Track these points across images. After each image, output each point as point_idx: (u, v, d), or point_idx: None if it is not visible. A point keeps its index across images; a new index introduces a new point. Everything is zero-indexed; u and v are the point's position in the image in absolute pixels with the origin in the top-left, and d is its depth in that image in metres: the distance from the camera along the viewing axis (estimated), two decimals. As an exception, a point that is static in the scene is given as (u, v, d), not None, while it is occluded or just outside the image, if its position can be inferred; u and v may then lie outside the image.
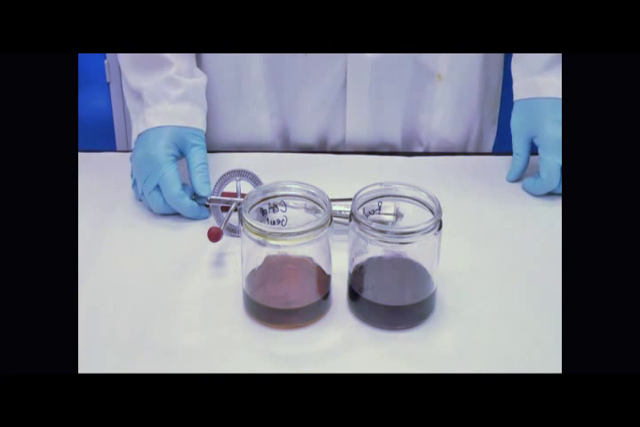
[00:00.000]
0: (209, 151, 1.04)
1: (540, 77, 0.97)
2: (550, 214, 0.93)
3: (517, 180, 1.00)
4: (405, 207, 0.79)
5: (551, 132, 0.94)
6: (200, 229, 0.90)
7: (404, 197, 0.78)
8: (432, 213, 0.76)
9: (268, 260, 0.78)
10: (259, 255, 0.77)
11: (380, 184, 0.78)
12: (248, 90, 1.05)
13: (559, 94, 0.96)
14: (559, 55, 0.97)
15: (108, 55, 1.91)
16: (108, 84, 1.95)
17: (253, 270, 0.78)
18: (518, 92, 1.00)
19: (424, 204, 0.78)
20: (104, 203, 0.94)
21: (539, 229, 0.92)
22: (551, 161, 0.94)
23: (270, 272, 0.79)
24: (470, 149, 1.12)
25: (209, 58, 1.04)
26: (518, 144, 0.99)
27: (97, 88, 1.95)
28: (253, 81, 1.04)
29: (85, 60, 1.87)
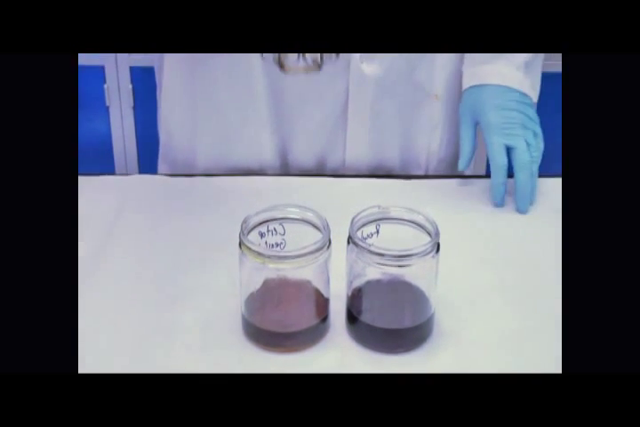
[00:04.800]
0: (207, 175, 1.05)
1: (486, 66, 1.00)
2: (549, 236, 0.93)
3: (467, 167, 1.01)
4: (403, 230, 0.79)
5: (490, 116, 0.98)
6: (198, 254, 0.90)
7: (402, 219, 0.79)
8: (430, 235, 0.77)
9: (266, 283, 0.78)
10: (257, 278, 0.78)
11: (378, 207, 0.79)
12: (251, 108, 1.05)
13: (503, 82, 1.00)
14: None
15: (108, 79, 1.93)
16: (108, 107, 1.96)
17: (252, 294, 0.79)
18: (465, 82, 1.03)
19: (422, 226, 0.78)
20: (103, 226, 0.94)
21: (537, 251, 0.92)
22: (494, 141, 0.97)
23: (269, 295, 0.79)
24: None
25: (211, 67, 1.03)
26: (464, 131, 1.01)
27: (96, 112, 1.96)
28: (256, 99, 1.04)
29: (85, 84, 1.88)
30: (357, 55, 0.98)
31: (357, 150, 1.07)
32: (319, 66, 0.75)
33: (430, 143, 1.09)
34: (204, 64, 1.03)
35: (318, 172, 1.08)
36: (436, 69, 1.05)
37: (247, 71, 1.02)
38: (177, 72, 1.06)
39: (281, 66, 0.74)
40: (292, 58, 0.73)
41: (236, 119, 1.06)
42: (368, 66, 1.01)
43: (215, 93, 1.05)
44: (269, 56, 0.75)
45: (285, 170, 1.09)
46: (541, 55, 1.05)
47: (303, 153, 1.07)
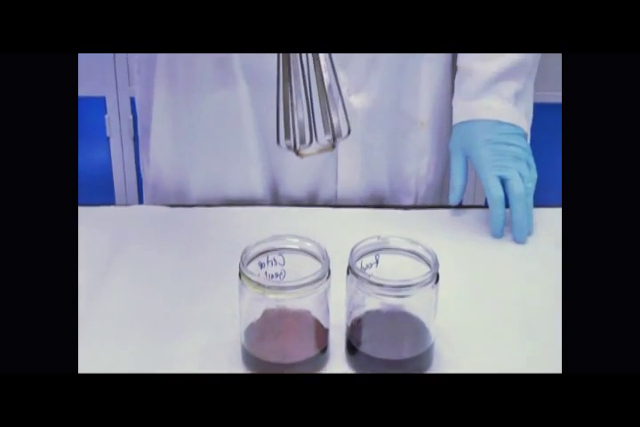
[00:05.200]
0: (207, 205, 1.05)
1: (474, 101, 1.02)
2: (548, 266, 0.93)
3: (459, 201, 1.02)
4: (402, 261, 0.79)
5: (482, 151, 0.99)
6: (198, 284, 0.90)
7: (401, 250, 0.79)
8: (429, 266, 0.77)
9: (266, 313, 0.78)
10: (257, 309, 0.78)
11: (377, 238, 0.79)
12: (240, 144, 1.05)
13: (493, 116, 1.01)
14: (493, 81, 1.01)
15: (109, 110, 1.94)
16: (108, 138, 1.97)
17: (252, 324, 0.79)
18: (456, 117, 1.04)
19: (421, 257, 0.78)
20: (103, 257, 0.94)
21: (537, 281, 0.92)
22: (487, 175, 0.98)
23: (268, 326, 0.79)
24: (446, 190, 1.14)
25: (199, 104, 1.04)
26: (455, 165, 1.02)
27: (97, 142, 1.97)
28: (245, 135, 1.05)
29: (86, 114, 1.89)
30: (345, 88, 0.99)
31: (349, 182, 1.07)
32: (333, 146, 0.77)
33: (418, 169, 1.10)
34: (193, 101, 1.04)
35: (310, 204, 1.08)
36: (420, 97, 1.06)
37: (235, 108, 1.03)
38: (165, 109, 1.07)
39: (297, 153, 0.76)
40: (306, 144, 0.76)
41: (225, 156, 1.06)
42: (356, 98, 1.02)
43: (204, 131, 1.05)
44: (284, 144, 0.77)
45: (277, 203, 1.09)
46: (532, 83, 1.06)
47: (295, 187, 1.08)
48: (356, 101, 1.02)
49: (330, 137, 0.76)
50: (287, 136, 0.76)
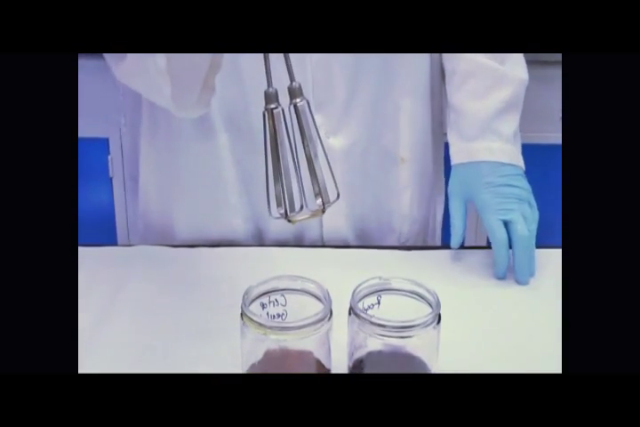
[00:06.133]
0: (209, 246, 1.05)
1: (474, 143, 1.01)
2: (550, 307, 0.93)
3: (461, 246, 1.01)
4: (404, 301, 0.79)
5: (485, 196, 0.99)
6: (199, 325, 0.90)
7: (403, 291, 0.79)
8: (431, 306, 0.77)
9: (267, 354, 0.78)
10: (259, 349, 0.77)
11: (379, 278, 0.79)
12: (223, 195, 1.06)
13: (494, 158, 1.01)
14: (490, 120, 1.01)
15: (112, 151, 1.95)
16: (111, 178, 1.98)
17: (253, 365, 0.78)
18: (455, 157, 1.03)
19: (423, 298, 0.78)
20: (104, 297, 0.94)
21: (538, 322, 0.92)
22: (491, 218, 0.97)
23: (270, 367, 0.79)
24: (431, 225, 1.15)
25: (183, 158, 1.05)
26: (454, 208, 1.02)
27: (100, 183, 1.98)
28: (227, 186, 1.05)
29: (89, 155, 1.91)
30: (323, 132, 0.98)
31: (335, 223, 1.07)
32: (323, 210, 0.78)
33: (401, 205, 1.10)
34: (174, 153, 1.05)
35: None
36: (400, 134, 1.06)
37: (216, 158, 1.04)
38: (149, 159, 1.08)
39: (288, 220, 0.78)
40: (296, 211, 0.78)
41: (208, 205, 1.07)
42: (335, 139, 1.03)
43: (187, 181, 1.06)
44: (275, 212, 0.78)
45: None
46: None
47: (279, 233, 1.07)
48: (335, 143, 1.03)
49: (320, 202, 0.77)
50: (279, 205, 0.77)
